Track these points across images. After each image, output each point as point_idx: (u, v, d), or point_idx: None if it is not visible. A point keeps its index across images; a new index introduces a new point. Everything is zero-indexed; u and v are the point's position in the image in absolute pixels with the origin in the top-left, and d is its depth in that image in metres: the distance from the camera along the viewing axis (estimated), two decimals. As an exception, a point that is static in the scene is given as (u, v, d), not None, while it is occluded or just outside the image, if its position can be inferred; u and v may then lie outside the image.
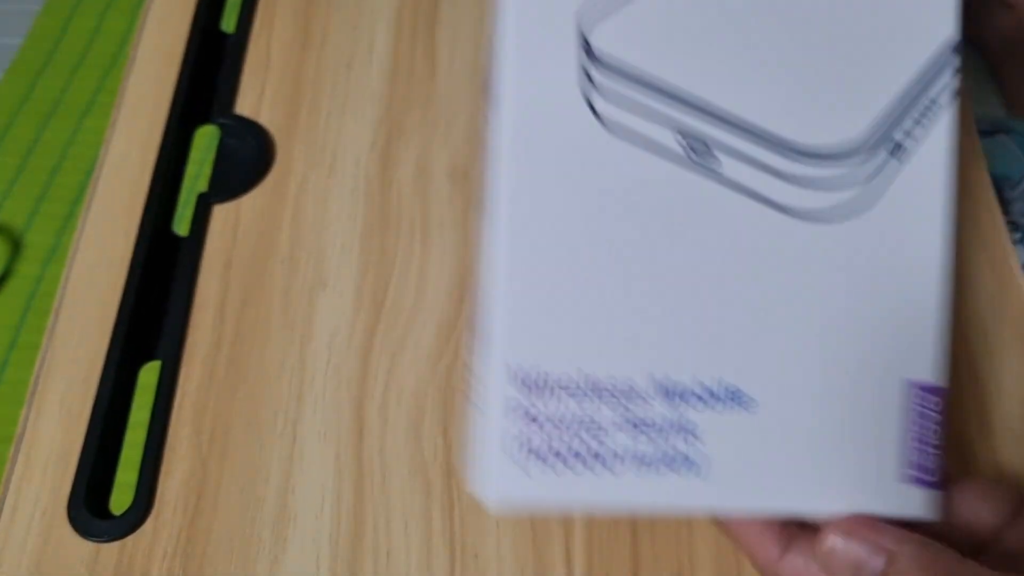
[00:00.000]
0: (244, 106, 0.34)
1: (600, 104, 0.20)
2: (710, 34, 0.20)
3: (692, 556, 0.25)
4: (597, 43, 0.20)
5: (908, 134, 0.21)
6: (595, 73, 0.20)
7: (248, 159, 0.33)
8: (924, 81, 0.21)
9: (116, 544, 0.25)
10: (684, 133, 0.20)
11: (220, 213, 0.32)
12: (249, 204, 0.32)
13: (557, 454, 0.20)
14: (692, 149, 0.20)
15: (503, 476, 0.20)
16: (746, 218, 0.20)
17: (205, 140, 0.34)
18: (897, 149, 0.21)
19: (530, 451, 0.20)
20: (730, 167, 0.20)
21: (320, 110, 0.34)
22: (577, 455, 0.20)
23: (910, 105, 0.21)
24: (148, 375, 0.29)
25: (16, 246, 0.44)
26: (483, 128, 0.21)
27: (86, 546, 0.25)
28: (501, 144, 0.21)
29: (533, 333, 0.20)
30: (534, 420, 0.20)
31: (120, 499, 0.27)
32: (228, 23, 0.37)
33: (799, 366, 0.21)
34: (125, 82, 0.35)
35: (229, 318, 0.29)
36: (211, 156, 0.33)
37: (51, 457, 0.27)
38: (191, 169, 0.34)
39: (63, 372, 0.28)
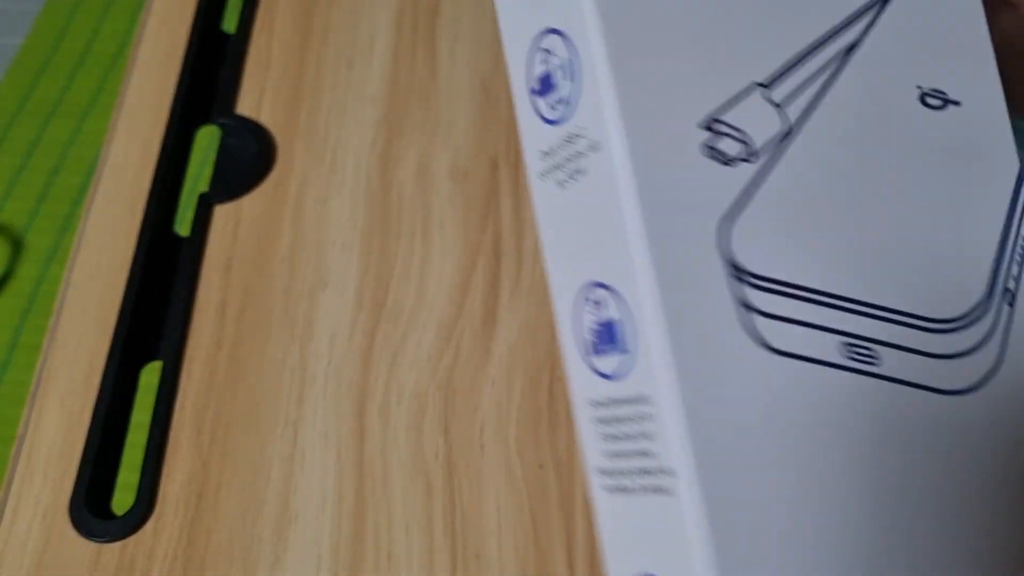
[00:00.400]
0: (245, 106, 0.34)
1: (760, 325, 0.18)
2: (828, 225, 0.19)
3: (694, 556, 0.25)
4: (742, 260, 0.18)
5: (1013, 277, 0.21)
6: (748, 293, 0.18)
7: (249, 159, 0.33)
8: (1011, 223, 0.21)
9: (117, 544, 0.25)
10: (845, 337, 0.19)
11: (221, 213, 0.32)
12: (250, 204, 0.32)
13: None
14: (854, 352, 0.19)
15: None
16: (908, 408, 0.19)
17: (206, 140, 0.34)
18: (1009, 295, 0.21)
19: None
20: (887, 362, 0.19)
21: (321, 110, 0.34)
22: None
23: (1008, 250, 0.21)
24: (149, 375, 0.29)
25: (17, 246, 0.44)
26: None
27: (88, 546, 0.25)
28: (664, 409, 0.17)
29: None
30: None
31: (121, 500, 0.27)
32: (229, 23, 0.37)
33: (990, 548, 0.19)
34: (126, 82, 0.35)
35: (230, 318, 0.29)
36: (212, 156, 0.33)
37: (52, 458, 0.27)
38: (192, 169, 0.34)
39: (64, 373, 0.28)
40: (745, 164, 0.19)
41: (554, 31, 0.19)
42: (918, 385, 0.19)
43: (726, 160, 0.18)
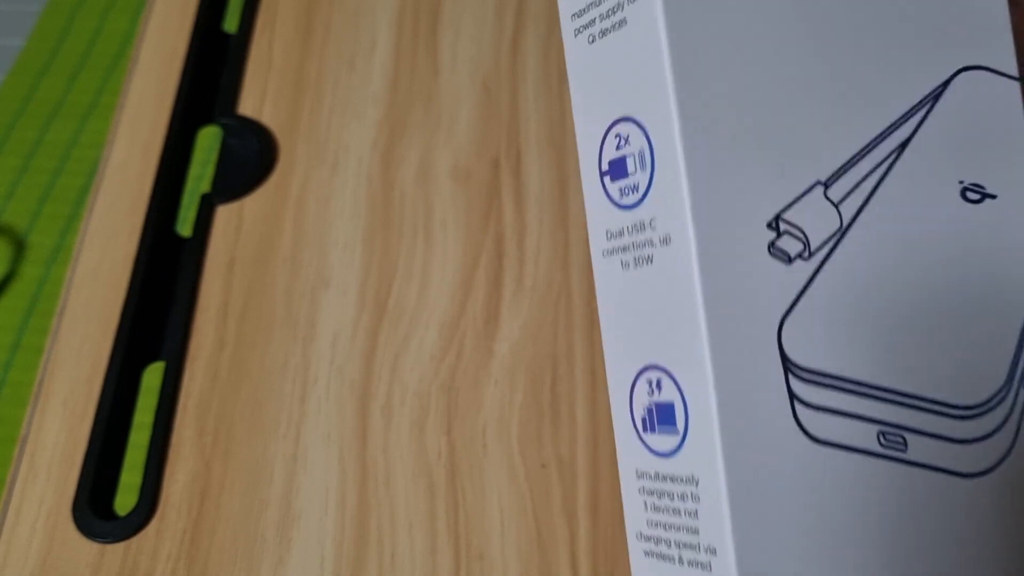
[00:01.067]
0: (246, 106, 0.34)
1: (804, 416, 0.19)
2: (871, 319, 0.20)
3: (697, 555, 0.25)
4: (792, 352, 0.19)
5: None
6: (796, 385, 0.19)
7: (251, 159, 0.33)
8: None
9: (120, 545, 0.25)
10: (881, 426, 0.19)
11: (223, 213, 0.32)
12: (252, 204, 0.32)
13: None
14: (885, 439, 0.19)
15: None
16: (928, 492, 0.20)
17: (208, 140, 0.34)
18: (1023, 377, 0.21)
19: None
20: (914, 448, 0.20)
21: (322, 109, 0.34)
22: None
23: None
24: (152, 376, 0.29)
25: (19, 247, 0.44)
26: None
27: (90, 547, 0.25)
28: (711, 494, 0.18)
29: None
30: None
31: (124, 500, 0.27)
32: (230, 23, 0.37)
33: None
34: (127, 83, 0.35)
35: (232, 319, 0.29)
36: (214, 156, 0.33)
37: (55, 458, 0.27)
38: (194, 170, 0.34)
39: (67, 373, 0.28)
40: (801, 262, 0.19)
41: (630, 120, 0.20)
42: (941, 469, 0.20)
43: (787, 259, 0.19)
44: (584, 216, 0.31)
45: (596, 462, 0.26)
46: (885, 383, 0.19)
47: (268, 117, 0.34)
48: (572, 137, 0.33)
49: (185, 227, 0.32)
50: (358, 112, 0.34)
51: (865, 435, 0.19)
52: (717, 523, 0.18)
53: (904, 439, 0.20)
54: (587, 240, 0.31)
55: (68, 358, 0.29)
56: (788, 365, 0.19)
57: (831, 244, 0.19)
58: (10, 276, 0.43)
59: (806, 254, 0.19)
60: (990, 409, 0.20)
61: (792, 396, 0.19)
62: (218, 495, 0.26)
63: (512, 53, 0.35)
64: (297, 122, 0.34)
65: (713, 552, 0.18)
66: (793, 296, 0.19)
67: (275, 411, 0.28)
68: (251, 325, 0.29)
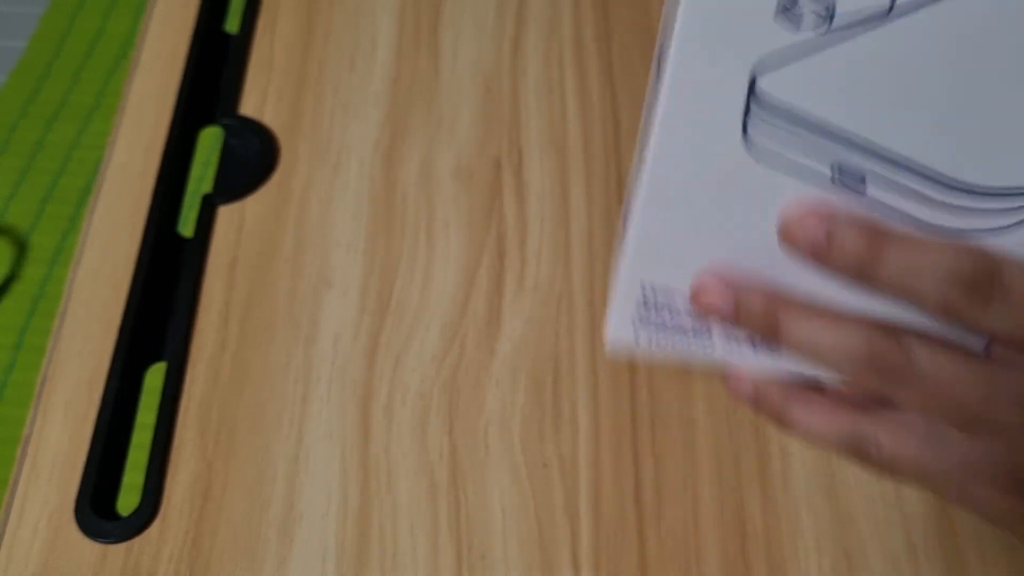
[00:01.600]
0: (248, 107, 0.34)
1: (753, 133, 0.19)
2: (882, 83, 0.18)
3: (699, 555, 0.25)
4: (764, 85, 0.18)
5: None
6: (755, 109, 0.19)
7: (252, 159, 0.33)
8: None
9: (123, 545, 0.25)
10: (836, 163, 0.19)
11: (225, 214, 0.32)
12: (253, 205, 0.32)
13: (663, 329, 0.22)
14: (840, 175, 0.19)
15: (619, 332, 0.23)
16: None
17: (209, 141, 0.34)
18: None
19: (642, 322, 0.22)
20: (876, 192, 0.19)
21: (323, 110, 0.34)
22: (682, 334, 0.22)
23: None
24: (154, 377, 0.29)
25: (21, 248, 0.44)
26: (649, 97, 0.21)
27: (93, 547, 0.25)
28: (652, 143, 0.20)
29: (661, 257, 0.21)
30: (652, 307, 0.22)
31: (127, 501, 0.27)
32: (231, 24, 0.37)
33: None
34: (129, 84, 0.35)
35: (234, 319, 0.29)
36: (215, 157, 0.33)
37: (58, 459, 0.27)
38: (195, 170, 0.34)
39: (69, 374, 0.28)
40: (815, 35, 0.18)
41: None
42: (903, 215, 0.19)
43: (796, 27, 0.18)
44: (584, 214, 0.31)
45: (598, 461, 0.26)
46: (865, 134, 0.19)
47: (269, 117, 0.34)
48: (573, 137, 0.33)
49: (187, 228, 0.32)
50: (359, 112, 0.34)
51: (817, 165, 0.19)
52: (645, 157, 0.19)
53: (862, 179, 0.19)
54: (588, 239, 0.31)
55: (70, 359, 0.29)
56: (755, 92, 0.18)
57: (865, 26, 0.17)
58: (12, 277, 0.43)
59: (824, 27, 0.17)
60: (994, 195, 0.19)
61: (748, 112, 0.19)
62: (220, 495, 0.26)
63: (513, 53, 0.35)
64: (298, 122, 0.34)
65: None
66: (786, 45, 0.18)
67: (277, 411, 0.28)
68: (253, 325, 0.29)
